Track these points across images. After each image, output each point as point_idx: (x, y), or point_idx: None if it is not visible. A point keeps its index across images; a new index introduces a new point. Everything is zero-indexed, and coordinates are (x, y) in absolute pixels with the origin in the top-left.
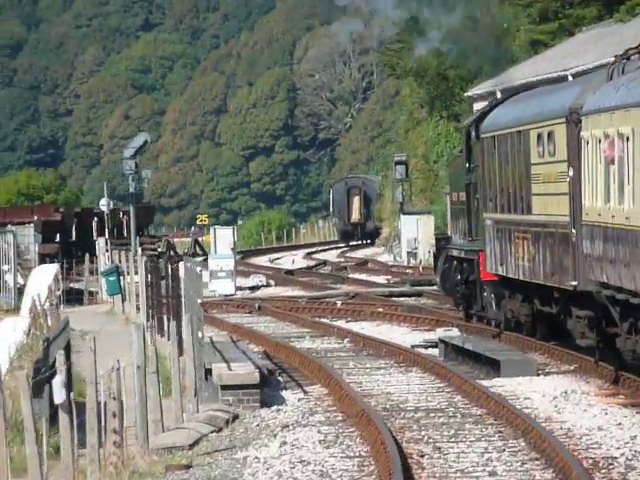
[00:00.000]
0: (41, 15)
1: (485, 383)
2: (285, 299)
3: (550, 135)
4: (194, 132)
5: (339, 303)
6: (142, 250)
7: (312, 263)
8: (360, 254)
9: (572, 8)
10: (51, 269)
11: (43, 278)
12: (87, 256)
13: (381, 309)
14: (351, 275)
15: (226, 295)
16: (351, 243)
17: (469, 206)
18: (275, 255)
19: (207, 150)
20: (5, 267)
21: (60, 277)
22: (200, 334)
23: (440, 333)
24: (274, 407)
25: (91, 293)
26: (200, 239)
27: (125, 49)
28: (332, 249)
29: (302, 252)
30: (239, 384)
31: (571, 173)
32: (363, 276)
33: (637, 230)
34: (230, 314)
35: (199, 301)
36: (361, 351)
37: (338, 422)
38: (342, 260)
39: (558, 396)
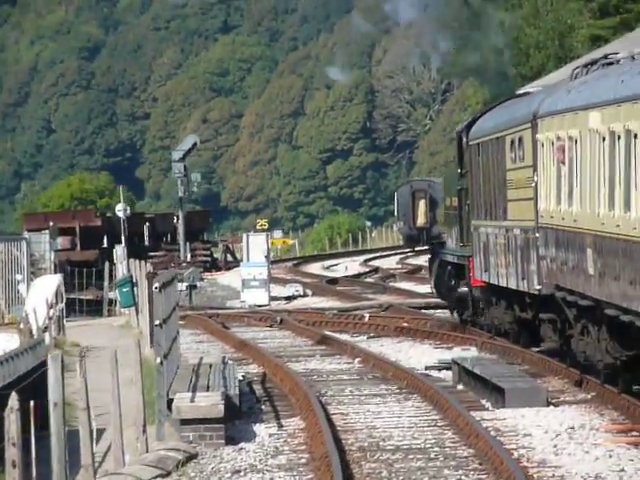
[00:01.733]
0: (119, 17)
1: (486, 415)
2: (313, 311)
3: (520, 141)
4: (271, 135)
5: (367, 316)
6: (192, 256)
7: (366, 270)
8: (422, 260)
9: (634, 2)
10: (53, 280)
11: (43, 290)
12: (107, 264)
13: (406, 324)
14: (397, 284)
15: (259, 306)
16: (417, 248)
17: (460, 211)
18: (333, 261)
19: (284, 153)
20: (19, 277)
21: (63, 288)
22: (175, 356)
23: (457, 353)
24: (240, 445)
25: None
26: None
27: (203, 52)
28: (396, 254)
29: (363, 258)
30: (201, 418)
31: (536, 178)
32: (409, 285)
33: (583, 232)
34: (250, 328)
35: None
36: (367, 374)
37: (299, 466)
38: (398, 267)
39: (562, 433)
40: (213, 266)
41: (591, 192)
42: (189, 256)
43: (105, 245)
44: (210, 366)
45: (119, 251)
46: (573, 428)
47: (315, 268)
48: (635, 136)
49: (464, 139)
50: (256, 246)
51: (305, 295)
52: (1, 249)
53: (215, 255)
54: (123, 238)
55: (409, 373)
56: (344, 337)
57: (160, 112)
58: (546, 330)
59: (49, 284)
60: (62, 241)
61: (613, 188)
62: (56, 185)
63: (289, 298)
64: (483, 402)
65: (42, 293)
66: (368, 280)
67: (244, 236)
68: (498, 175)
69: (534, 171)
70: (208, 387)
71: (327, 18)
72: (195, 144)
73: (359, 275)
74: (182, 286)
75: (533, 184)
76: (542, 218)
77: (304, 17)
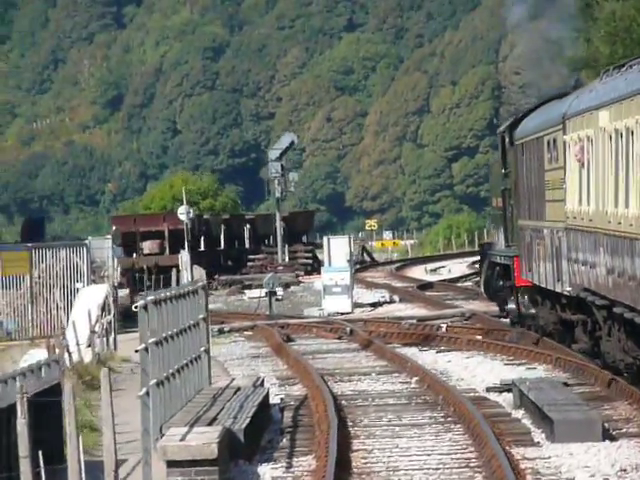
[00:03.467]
0: (244, 17)
1: (529, 453)
2: (390, 321)
3: (554, 142)
4: (396, 133)
5: (443, 327)
6: (291, 259)
7: (469, 273)
8: None
9: None
10: (100, 290)
11: (87, 301)
12: (174, 270)
13: (480, 337)
14: None
15: (341, 313)
16: None
17: (505, 212)
18: (441, 263)
19: (409, 152)
20: (79, 285)
21: (111, 299)
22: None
23: (525, 372)
24: None
25: None
26: (369, 245)
27: (328, 50)
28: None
29: (473, 259)
30: (191, 459)
31: (564, 179)
32: None
33: (597, 231)
34: (316, 340)
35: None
36: (417, 397)
37: None
38: None
39: (611, 477)
40: (315, 269)
41: (602, 191)
42: (287, 259)
43: (203, 249)
44: (237, 390)
45: (184, 257)
46: (625, 470)
47: (418, 271)
48: (632, 133)
49: (506, 139)
50: (338, 250)
51: (392, 301)
52: (62, 255)
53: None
54: (186, 243)
55: (460, 398)
56: (412, 351)
57: (284, 111)
58: (579, 332)
59: (95, 295)
60: (150, 245)
61: (617, 186)
62: (158, 186)
63: (374, 305)
64: (536, 434)
65: (86, 305)
66: (465, 284)
67: (325, 239)
68: (539, 175)
69: (564, 172)
70: (215, 419)
71: (453, 14)
72: (292, 142)
73: (458, 279)
74: (262, 292)
75: (564, 185)
76: (568, 219)
77: (429, 14)
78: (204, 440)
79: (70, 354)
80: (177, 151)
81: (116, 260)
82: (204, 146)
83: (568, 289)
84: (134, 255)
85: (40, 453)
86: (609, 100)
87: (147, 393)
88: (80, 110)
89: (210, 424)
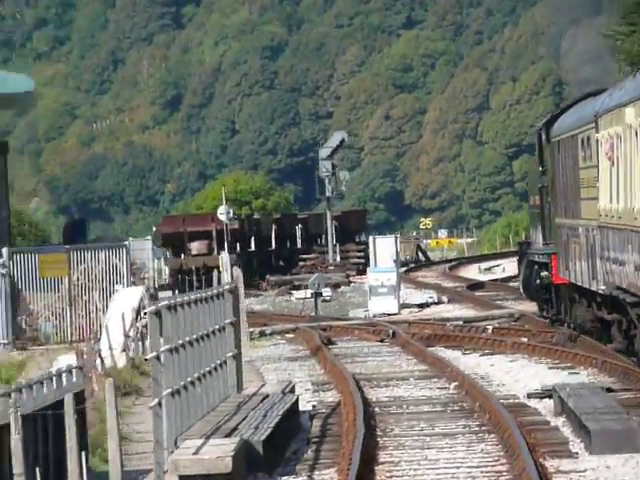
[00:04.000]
0: (302, 16)
1: (564, 465)
2: (435, 322)
3: (588, 140)
4: (455, 131)
5: (489, 329)
6: (343, 259)
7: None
8: None
9: None
10: (135, 293)
11: (122, 305)
12: (215, 273)
13: (526, 339)
14: None
15: (388, 314)
16: None
17: (542, 209)
18: (497, 262)
19: (469, 149)
20: (118, 287)
21: (147, 301)
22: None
23: (568, 376)
24: None
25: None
26: (424, 243)
27: (386, 48)
28: None
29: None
30: (204, 474)
31: (597, 177)
32: None
33: (626, 228)
34: (358, 343)
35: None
36: (454, 404)
37: None
38: None
39: None
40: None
41: (630, 188)
42: (339, 258)
43: (253, 248)
44: (265, 398)
45: (224, 258)
46: None
47: (472, 270)
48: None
49: (543, 136)
50: (384, 250)
51: (440, 302)
52: (101, 257)
53: None
54: (226, 244)
55: (496, 406)
56: (455, 354)
57: (343, 110)
58: (615, 331)
59: (130, 298)
60: (198, 245)
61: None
62: (211, 186)
63: (421, 306)
64: (575, 444)
65: (120, 308)
66: (512, 284)
67: (370, 239)
68: (574, 173)
69: (597, 170)
70: (235, 430)
71: (513, 11)
72: (343, 140)
73: (510, 278)
74: (307, 293)
75: (597, 183)
76: (601, 217)
77: (489, 10)
78: (219, 453)
79: (102, 359)
80: (236, 151)
81: (164, 261)
82: (262, 146)
83: (602, 287)
84: (182, 256)
85: (37, 470)
86: (636, 97)
87: (159, 404)
88: (139, 111)
89: (229, 435)
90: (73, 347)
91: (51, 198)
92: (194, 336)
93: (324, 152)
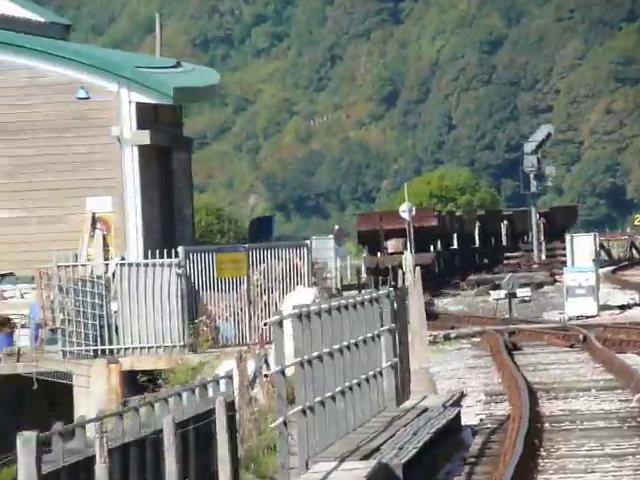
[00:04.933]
0: (522, 9)
1: None
2: (632, 326)
3: None
4: None
5: None
6: (549, 257)
7: None
8: None
9: None
10: (308, 294)
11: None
12: (399, 273)
13: None
14: None
15: (586, 316)
16: None
17: None
18: None
19: None
20: (299, 287)
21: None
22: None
23: None
24: None
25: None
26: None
27: (608, 41)
28: None
29: None
30: None
31: None
32: None
33: None
34: (545, 349)
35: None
36: (632, 420)
37: None
38: None
39: None
40: None
41: None
42: (544, 256)
43: (439, 248)
44: (422, 412)
45: (408, 258)
46: None
47: None
48: None
49: None
50: (583, 248)
51: None
52: (282, 256)
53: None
54: (408, 242)
55: None
56: None
57: (562, 104)
58: None
59: (302, 299)
60: (395, 243)
61: None
62: (415, 182)
63: (622, 307)
64: None
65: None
66: None
67: (567, 237)
68: None
69: None
70: (376, 451)
71: None
72: (549, 134)
73: None
74: (501, 294)
75: None
76: None
77: None
78: (349, 479)
79: (268, 365)
80: (452, 146)
81: (349, 260)
82: (480, 141)
83: None
84: (378, 254)
85: None
86: None
87: (284, 423)
88: (357, 107)
89: (367, 457)
90: (248, 350)
91: (268, 195)
92: (336, 346)
93: (529, 147)
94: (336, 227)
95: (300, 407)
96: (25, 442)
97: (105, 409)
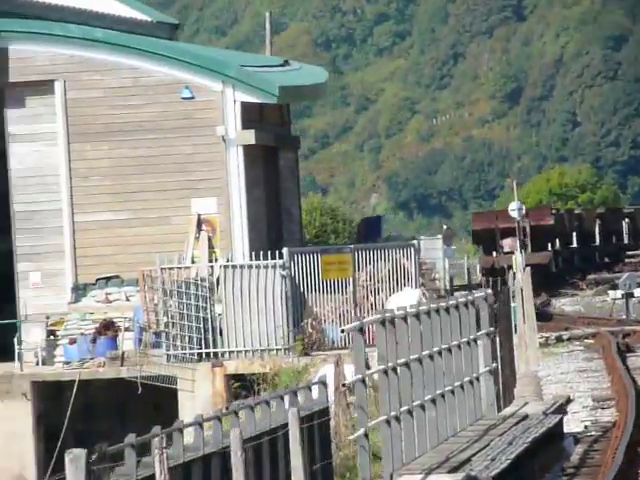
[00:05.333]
0: None
1: None
2: None
3: None
4: None
5: None
6: None
7: None
8: None
9: None
10: (412, 296)
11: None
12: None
13: None
14: None
15: None
16: None
17: None
18: None
19: None
20: (406, 289)
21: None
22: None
23: None
24: None
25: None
26: None
27: None
28: None
29: None
30: None
31: None
32: None
33: None
34: None
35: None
36: None
37: None
38: None
39: None
40: None
41: None
42: None
43: (557, 246)
44: (521, 420)
45: (518, 258)
46: None
47: None
48: None
49: None
50: None
51: None
52: (388, 257)
53: None
54: (517, 240)
55: None
56: None
57: None
58: None
59: (405, 302)
60: (510, 242)
61: None
62: (535, 179)
63: None
64: None
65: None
66: None
67: None
68: None
69: None
70: (466, 462)
71: None
72: None
73: None
74: (618, 294)
75: None
76: None
77: None
78: None
79: (369, 367)
80: (577, 143)
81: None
82: (605, 137)
83: None
84: (494, 254)
85: None
86: None
87: (365, 435)
88: (479, 105)
89: (455, 470)
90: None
91: (390, 194)
92: (426, 352)
93: None
94: (444, 227)
95: (384, 417)
96: (73, 460)
97: (206, 413)
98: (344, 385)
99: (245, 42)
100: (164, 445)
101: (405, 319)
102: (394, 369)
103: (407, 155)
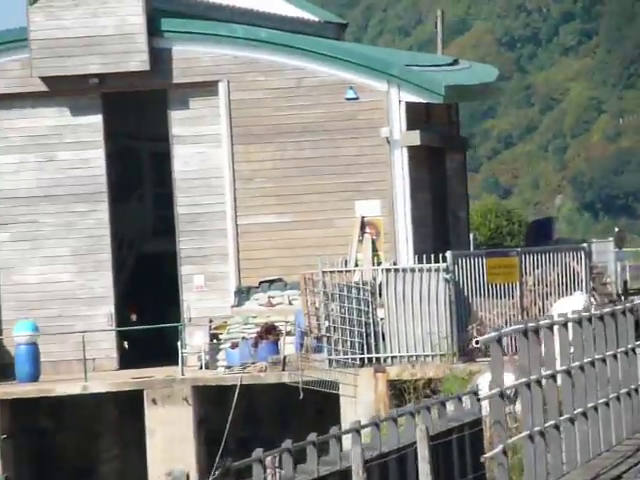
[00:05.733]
0: None
1: None
2: None
3: None
4: None
5: None
6: None
7: None
8: None
9: None
10: (577, 302)
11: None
12: None
13: None
14: None
15: None
16: None
17: None
18: None
19: None
20: (577, 293)
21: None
22: None
23: None
24: None
25: None
26: None
27: None
28: None
29: None
30: None
31: None
32: None
33: None
34: None
35: None
36: None
37: None
38: None
39: None
40: None
41: None
42: None
43: None
44: None
45: None
46: None
47: None
48: None
49: None
50: None
51: None
52: (558, 261)
53: None
54: None
55: None
56: None
57: None
58: None
59: (570, 306)
60: None
61: None
62: None
63: None
64: None
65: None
66: None
67: None
68: None
69: None
70: (618, 478)
71: None
72: None
73: None
74: None
75: None
76: None
77: None
78: None
79: None
80: None
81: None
82: None
83: None
84: None
85: None
86: None
87: (504, 452)
88: None
89: None
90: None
91: (575, 195)
92: (576, 363)
93: None
94: (616, 229)
95: (527, 432)
96: None
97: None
98: (479, 399)
99: (428, 42)
100: (276, 465)
101: (550, 328)
102: (538, 382)
103: (593, 155)
